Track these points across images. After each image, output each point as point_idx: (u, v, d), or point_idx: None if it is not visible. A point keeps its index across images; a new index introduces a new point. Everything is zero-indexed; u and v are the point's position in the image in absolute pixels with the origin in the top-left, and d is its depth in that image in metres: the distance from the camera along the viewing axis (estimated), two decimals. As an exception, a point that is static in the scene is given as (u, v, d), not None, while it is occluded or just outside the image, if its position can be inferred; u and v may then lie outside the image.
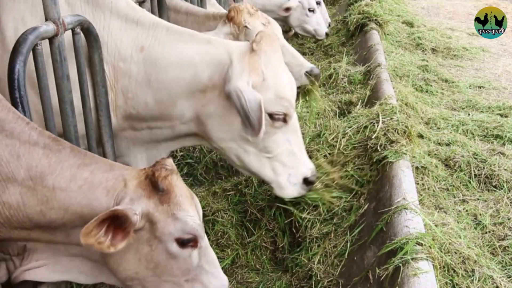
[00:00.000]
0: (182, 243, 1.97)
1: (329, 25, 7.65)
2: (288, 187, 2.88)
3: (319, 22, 6.55)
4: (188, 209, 1.98)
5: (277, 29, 3.82)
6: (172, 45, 2.69)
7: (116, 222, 1.85)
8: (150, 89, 2.72)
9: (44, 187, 1.94)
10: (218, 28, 3.60)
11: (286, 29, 6.81)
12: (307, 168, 2.88)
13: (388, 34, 7.23)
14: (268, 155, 2.77)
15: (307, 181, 2.91)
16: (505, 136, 4.40)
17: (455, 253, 2.65)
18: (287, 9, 6.18)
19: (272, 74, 2.62)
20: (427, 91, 5.75)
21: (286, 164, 2.81)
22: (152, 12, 3.49)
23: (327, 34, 6.75)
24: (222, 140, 2.76)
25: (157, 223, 1.94)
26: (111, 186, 1.95)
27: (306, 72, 3.94)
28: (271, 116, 2.65)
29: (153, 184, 1.94)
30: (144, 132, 2.89)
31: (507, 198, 3.52)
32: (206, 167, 4.34)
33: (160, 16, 3.63)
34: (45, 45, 2.35)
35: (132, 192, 1.93)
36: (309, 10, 6.37)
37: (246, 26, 3.59)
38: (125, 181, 1.96)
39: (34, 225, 1.99)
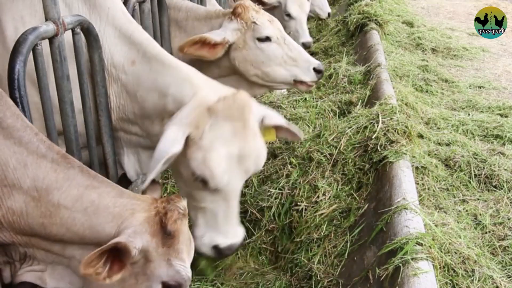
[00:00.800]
0: (166, 286, 1.96)
1: (329, 15, 7.58)
2: (198, 240, 2.63)
3: (298, 29, 6.21)
4: (184, 259, 1.97)
5: (279, 25, 3.83)
6: (156, 71, 2.67)
7: (114, 253, 1.83)
8: (136, 103, 2.76)
9: (49, 201, 1.94)
10: (224, 25, 3.60)
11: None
12: (224, 238, 2.64)
13: (388, 34, 7.22)
14: (193, 202, 2.61)
15: (217, 249, 2.65)
16: (505, 136, 4.40)
17: (455, 253, 2.65)
18: (263, 3, 6.03)
19: (212, 140, 2.40)
20: (427, 91, 5.75)
21: (206, 221, 2.63)
22: (152, 12, 3.49)
23: (305, 45, 6.05)
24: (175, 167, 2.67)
25: (152, 263, 1.92)
26: (118, 213, 1.93)
27: (314, 68, 3.87)
28: (193, 173, 2.47)
29: (162, 225, 1.92)
30: (133, 137, 2.93)
31: (507, 198, 3.52)
32: (206, 167, 4.33)
33: (160, 16, 3.63)
34: (45, 45, 2.35)
35: (138, 224, 1.90)
36: (286, 14, 6.13)
37: (254, 22, 3.59)
38: (133, 211, 1.93)
39: (35, 233, 2.00)
